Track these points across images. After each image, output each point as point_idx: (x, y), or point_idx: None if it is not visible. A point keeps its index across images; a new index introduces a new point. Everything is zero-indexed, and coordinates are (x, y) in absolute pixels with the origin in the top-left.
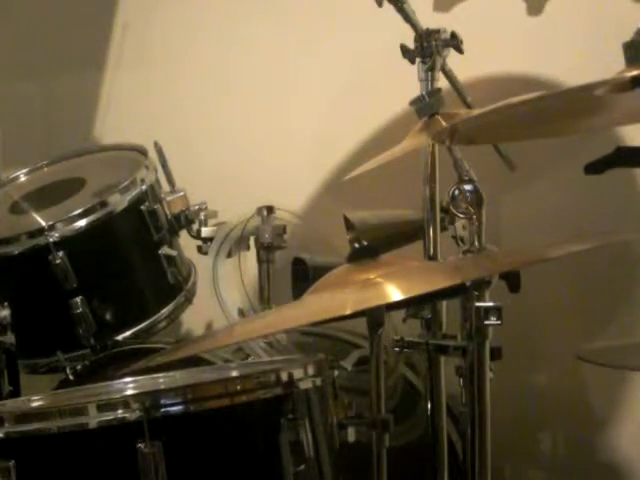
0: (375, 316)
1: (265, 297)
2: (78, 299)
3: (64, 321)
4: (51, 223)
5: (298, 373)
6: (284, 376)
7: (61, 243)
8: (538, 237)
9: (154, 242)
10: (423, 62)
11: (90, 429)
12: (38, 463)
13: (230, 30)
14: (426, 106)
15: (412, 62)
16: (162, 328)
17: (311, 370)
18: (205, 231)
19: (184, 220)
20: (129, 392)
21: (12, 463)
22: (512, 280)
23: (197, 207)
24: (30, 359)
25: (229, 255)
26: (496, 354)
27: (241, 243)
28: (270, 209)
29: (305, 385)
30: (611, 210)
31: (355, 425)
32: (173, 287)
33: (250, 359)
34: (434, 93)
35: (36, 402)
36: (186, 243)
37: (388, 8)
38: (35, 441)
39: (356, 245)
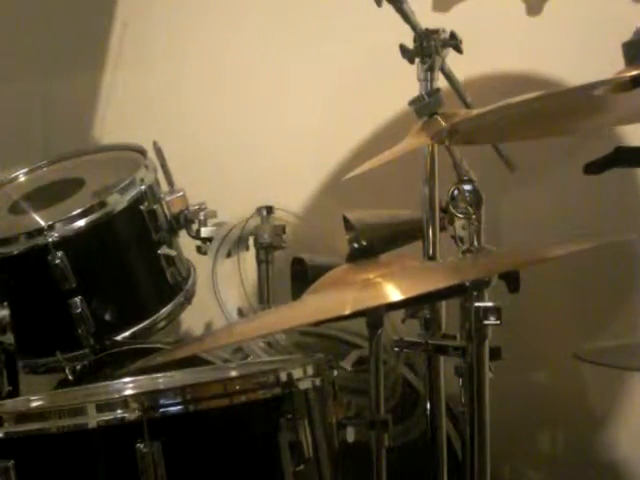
0: (374, 316)
1: (264, 297)
2: (77, 299)
3: (63, 321)
4: (50, 223)
5: (297, 373)
6: (283, 376)
7: (60, 243)
8: (538, 237)
9: (153, 242)
10: (422, 62)
11: (89, 429)
12: (37, 463)
13: (230, 30)
14: (425, 106)
15: (411, 62)
16: (161, 328)
17: (310, 370)
18: (204, 231)
19: (183, 220)
20: (128, 392)
21: (11, 463)
22: (511, 280)
23: (196, 207)
24: (29, 359)
25: (228, 255)
26: (495, 354)
27: (240, 243)
28: (269, 209)
29: (304, 385)
30: (611, 210)
31: (354, 425)
32: (172, 287)
33: (249, 359)
34: (433, 93)
35: (35, 402)
36: (185, 243)
37: (387, 8)
38: (34, 441)
39: (355, 245)
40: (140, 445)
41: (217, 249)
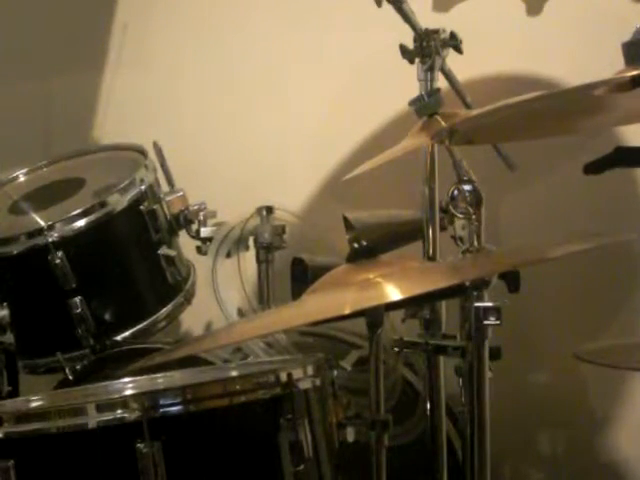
0: (374, 316)
1: (264, 297)
2: (77, 299)
3: (63, 321)
4: (50, 223)
5: (297, 373)
6: (283, 376)
7: (60, 243)
8: (537, 237)
9: (153, 242)
10: (422, 62)
11: (89, 429)
12: (37, 463)
13: (229, 30)
14: (425, 106)
15: (411, 62)
16: (161, 328)
17: (310, 370)
18: (204, 231)
19: (183, 220)
20: (128, 392)
21: (11, 463)
22: (511, 280)
23: (196, 207)
24: (29, 359)
25: (228, 255)
26: (495, 354)
27: (240, 243)
28: (269, 209)
29: (304, 385)
30: (611, 210)
31: (354, 425)
32: (172, 287)
33: (249, 359)
34: (433, 93)
35: (35, 402)
36: (185, 243)
37: (387, 8)
38: (34, 441)
39: (355, 245)
40: (140, 445)
41: (217, 249)
